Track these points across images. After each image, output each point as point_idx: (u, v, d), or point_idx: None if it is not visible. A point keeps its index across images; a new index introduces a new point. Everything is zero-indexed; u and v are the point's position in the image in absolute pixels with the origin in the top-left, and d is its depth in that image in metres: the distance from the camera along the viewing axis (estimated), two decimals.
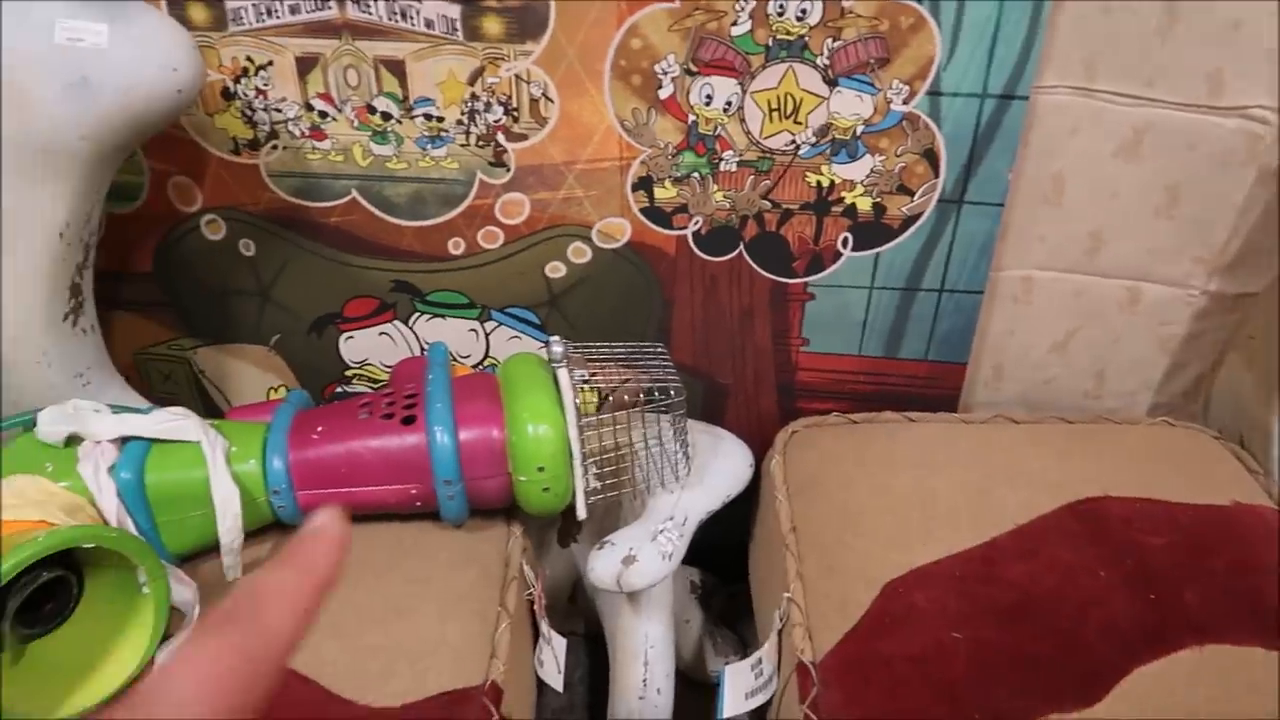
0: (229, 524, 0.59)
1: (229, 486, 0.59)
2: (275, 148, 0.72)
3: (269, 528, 0.64)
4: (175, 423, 0.61)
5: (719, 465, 0.72)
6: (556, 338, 0.64)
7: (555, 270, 0.76)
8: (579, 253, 0.75)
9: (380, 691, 0.54)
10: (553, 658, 0.67)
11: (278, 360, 0.83)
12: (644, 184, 0.72)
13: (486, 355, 0.81)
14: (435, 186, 0.72)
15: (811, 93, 0.67)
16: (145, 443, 0.60)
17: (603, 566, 0.64)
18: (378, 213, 0.74)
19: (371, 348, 0.81)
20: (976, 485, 0.69)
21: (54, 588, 0.54)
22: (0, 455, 0.60)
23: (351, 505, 0.63)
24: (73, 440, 0.60)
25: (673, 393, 0.64)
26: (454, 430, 0.61)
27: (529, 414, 0.61)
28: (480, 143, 0.70)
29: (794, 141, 0.69)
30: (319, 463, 0.61)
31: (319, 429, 0.62)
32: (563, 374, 0.63)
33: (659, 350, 0.68)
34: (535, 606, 0.65)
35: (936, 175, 0.70)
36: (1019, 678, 0.56)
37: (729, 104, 0.68)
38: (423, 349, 0.81)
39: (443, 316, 0.79)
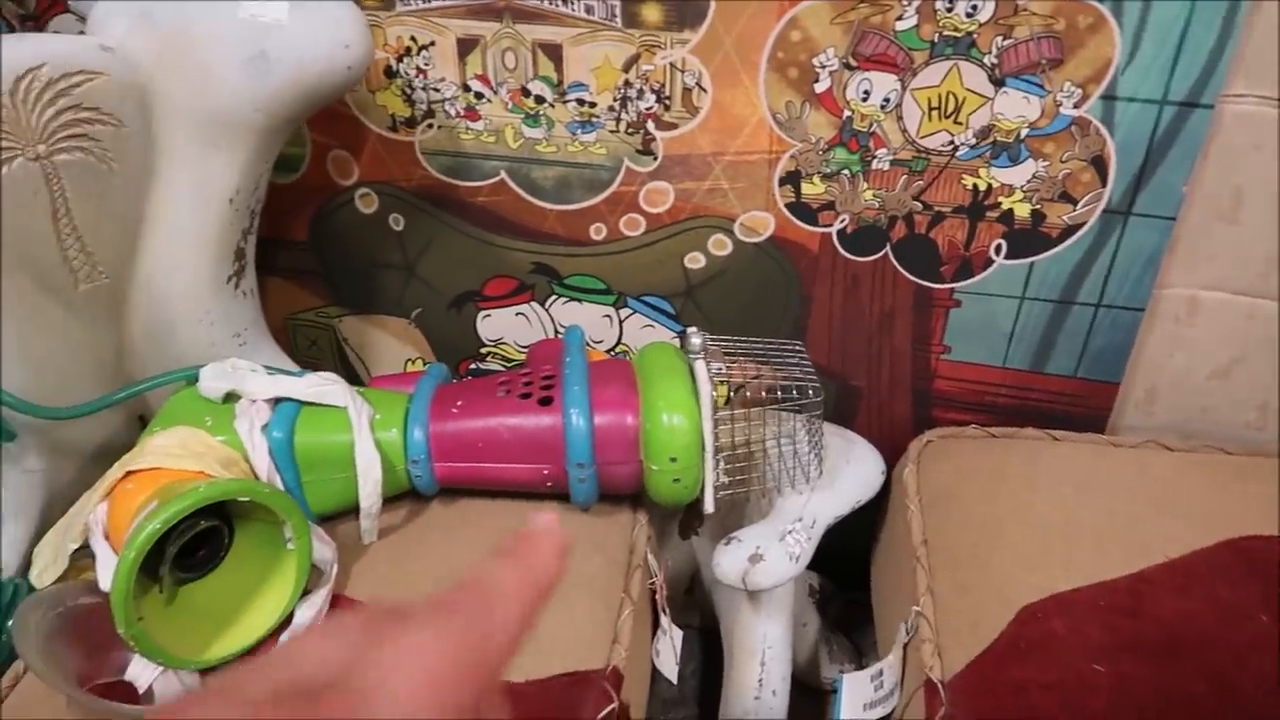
0: (369, 489, 0.61)
1: (371, 453, 0.61)
2: (430, 126, 0.73)
3: (404, 496, 0.66)
4: (325, 387, 0.63)
5: (851, 470, 0.71)
6: (695, 329, 0.64)
7: (694, 261, 0.76)
8: (720, 245, 0.74)
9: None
10: (670, 648, 0.66)
11: (417, 334, 0.85)
12: (791, 179, 0.70)
13: (619, 341, 0.81)
14: (582, 171, 0.73)
15: (975, 92, 0.65)
16: (296, 404, 0.63)
17: (728, 562, 0.63)
18: (524, 194, 0.75)
19: (508, 327, 0.82)
20: (1125, 512, 0.65)
21: (208, 536, 0.57)
22: (166, 406, 0.64)
23: (485, 481, 0.64)
24: (230, 397, 0.63)
25: (811, 393, 0.63)
26: (589, 414, 0.61)
27: (665, 404, 0.61)
28: (630, 130, 0.70)
29: (952, 142, 0.67)
30: (457, 436, 0.62)
31: (459, 403, 0.63)
32: (700, 366, 0.62)
33: (798, 349, 0.67)
34: (657, 596, 0.65)
35: (1104, 184, 0.67)
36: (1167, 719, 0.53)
37: (887, 101, 0.66)
38: (557, 331, 0.82)
39: (579, 301, 0.80)
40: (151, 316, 0.68)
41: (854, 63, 0.65)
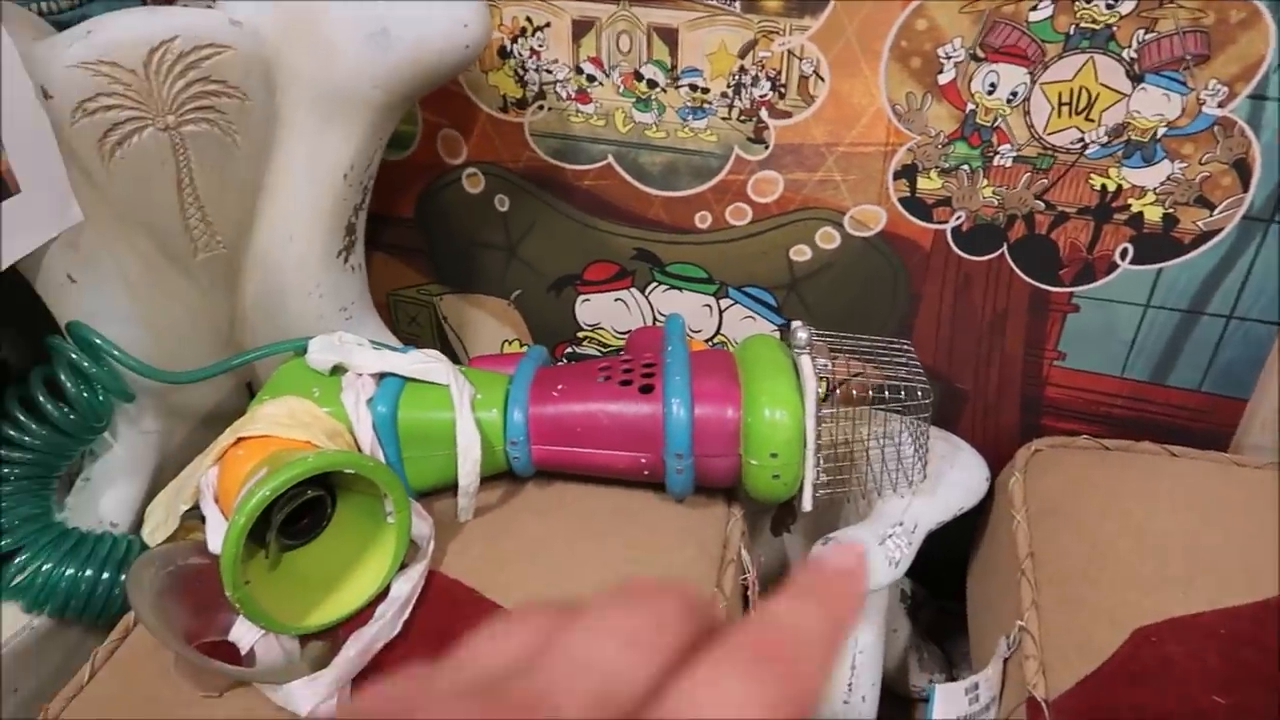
0: (468, 468, 0.61)
1: (472, 432, 0.61)
2: (541, 108, 0.73)
3: (499, 476, 0.66)
4: (429, 364, 0.64)
5: (954, 476, 0.69)
6: (800, 323, 0.63)
7: (800, 253, 0.74)
8: (827, 238, 0.73)
9: None
10: None
11: (515, 315, 0.85)
12: (907, 172, 0.68)
13: (718, 331, 0.80)
14: (690, 158, 0.72)
15: (1110, 88, 0.61)
16: (400, 380, 0.63)
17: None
18: (630, 179, 0.74)
19: (606, 312, 0.82)
20: (1251, 536, 0.62)
21: (312, 506, 0.58)
22: (275, 376, 0.65)
23: (581, 465, 0.64)
24: (337, 370, 0.64)
25: (919, 394, 0.61)
26: (690, 404, 0.60)
27: (768, 398, 0.60)
28: (742, 117, 0.69)
29: (1082, 139, 0.64)
30: (556, 420, 0.62)
31: (559, 387, 0.63)
32: (805, 361, 0.61)
33: (906, 348, 0.65)
34: (749, 592, 0.64)
35: (1245, 189, 0.63)
36: None
37: (1014, 94, 0.63)
38: (656, 319, 0.81)
39: (679, 289, 0.79)
40: (264, 287, 0.70)
41: (981, 54, 0.62)
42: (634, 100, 0.71)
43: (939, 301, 0.73)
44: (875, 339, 0.65)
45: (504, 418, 0.63)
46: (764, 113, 0.68)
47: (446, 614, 0.57)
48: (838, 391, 0.65)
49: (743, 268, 0.76)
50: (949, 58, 0.63)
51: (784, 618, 0.18)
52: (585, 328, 0.84)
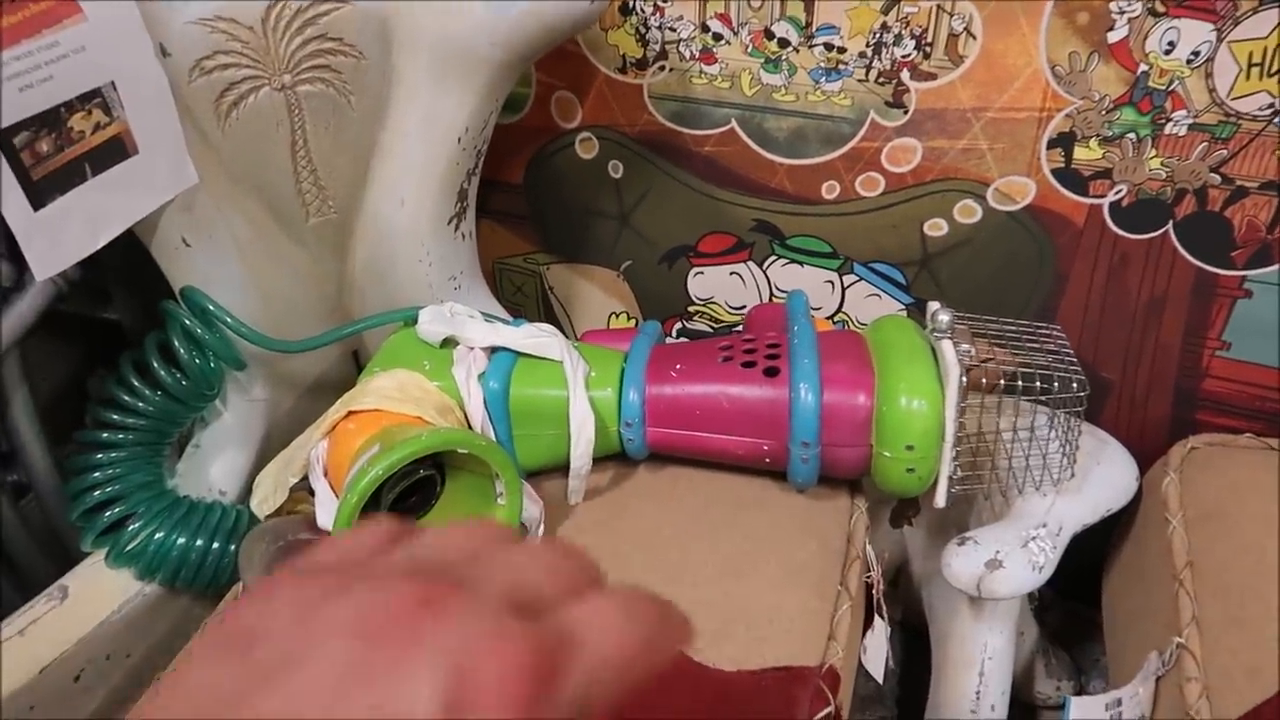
0: (581, 449, 0.59)
1: (586, 411, 0.58)
2: (662, 69, 0.69)
3: (610, 457, 0.63)
4: (542, 339, 0.61)
5: (1101, 473, 0.63)
6: (941, 305, 0.58)
7: (936, 228, 0.69)
8: (967, 211, 0.67)
9: (716, 652, 0.52)
10: (879, 646, 0.61)
11: (624, 287, 0.82)
12: (1063, 141, 0.62)
13: (839, 309, 0.76)
14: (821, 123, 0.67)
15: None
16: (512, 355, 0.61)
17: (962, 565, 0.57)
18: (753, 146, 0.70)
19: (720, 286, 0.78)
20: None
21: (420, 483, 0.56)
22: (384, 347, 0.63)
23: (699, 450, 0.61)
24: (447, 342, 0.62)
25: (1075, 385, 0.55)
26: (819, 390, 0.56)
27: (905, 385, 0.55)
28: (881, 79, 0.64)
29: (1273, 105, 0.57)
30: (674, 402, 0.59)
31: (677, 367, 0.60)
32: (946, 346, 0.56)
33: (1056, 333, 0.60)
34: (874, 591, 0.60)
35: None
36: None
37: (1195, 54, 0.57)
38: (773, 295, 0.77)
39: (800, 263, 0.74)
40: (373, 253, 0.68)
41: (1162, 8, 0.56)
42: (763, 60, 0.66)
43: (1088, 283, 0.67)
44: (1021, 324, 0.60)
45: (619, 397, 0.60)
46: (905, 74, 0.63)
47: None
48: (968, 379, 0.60)
49: (871, 242, 0.71)
50: (1122, 12, 0.57)
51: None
52: (698, 302, 0.80)
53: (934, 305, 0.58)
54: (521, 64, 0.62)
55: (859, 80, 0.64)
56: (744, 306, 0.78)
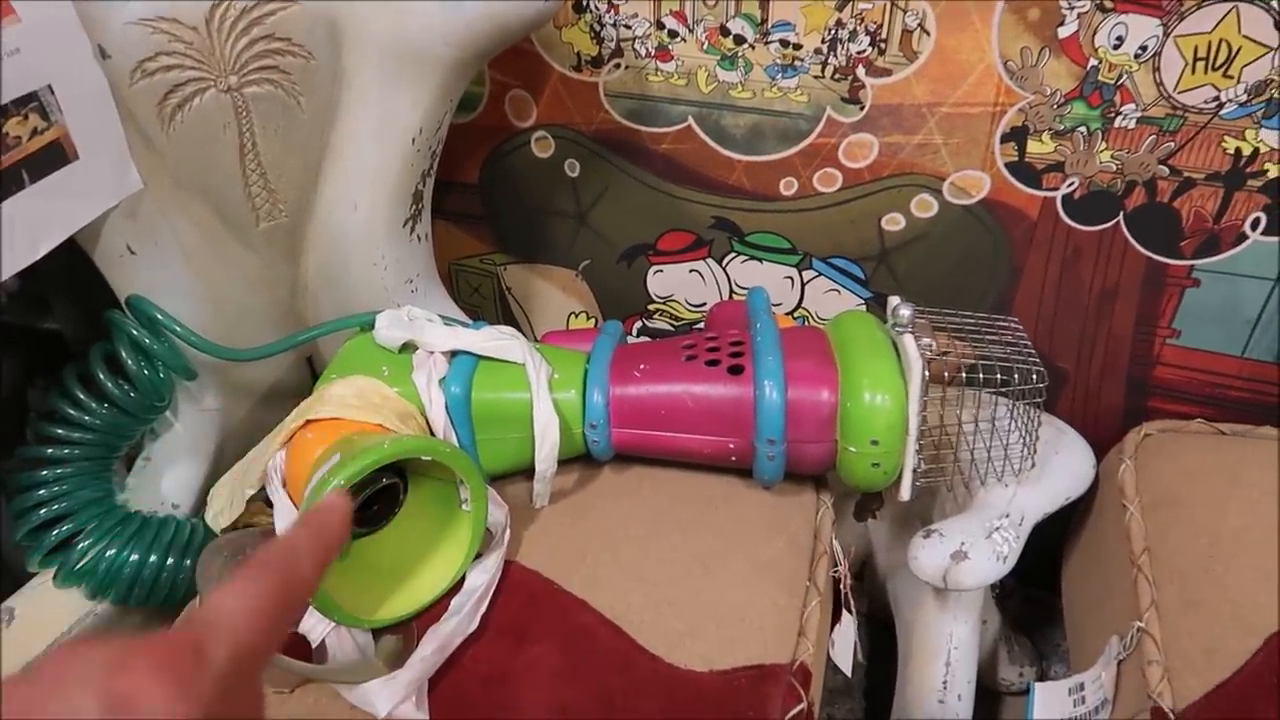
0: (545, 451, 0.58)
1: (550, 414, 0.58)
2: (618, 66, 0.69)
3: (574, 460, 0.62)
4: (503, 342, 0.60)
5: (1060, 462, 0.64)
6: (900, 299, 0.58)
7: (893, 223, 0.69)
8: (924, 205, 0.68)
9: (687, 651, 0.52)
10: (846, 640, 0.62)
11: (583, 286, 0.81)
12: (1016, 135, 0.63)
13: (799, 305, 0.76)
14: (777, 120, 0.67)
15: (1255, 41, 0.56)
16: (473, 358, 0.60)
17: (928, 558, 0.58)
18: (711, 143, 0.70)
19: (680, 284, 0.78)
20: None
21: (381, 492, 0.55)
22: (340, 353, 0.62)
23: (664, 450, 0.60)
24: (406, 347, 0.61)
25: (1034, 377, 0.56)
26: (784, 387, 0.56)
27: (869, 380, 0.55)
28: (836, 75, 0.64)
29: (1217, 98, 0.58)
30: (639, 402, 0.59)
31: (641, 367, 0.59)
32: (908, 340, 0.56)
33: (1014, 325, 0.61)
34: (841, 586, 0.60)
35: None
36: None
37: (1143, 49, 0.58)
38: (732, 291, 0.77)
39: (759, 260, 0.74)
40: (326, 258, 0.67)
41: (1110, 3, 0.57)
42: (719, 58, 0.66)
43: (1043, 275, 0.68)
44: (979, 316, 0.61)
45: (583, 399, 0.59)
46: (861, 70, 0.63)
47: (525, 608, 0.54)
48: (930, 373, 0.61)
49: (829, 237, 0.71)
50: (1072, 8, 0.57)
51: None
52: (657, 299, 0.80)
53: (894, 300, 0.58)
54: (476, 64, 0.61)
55: (815, 77, 0.65)
56: (704, 304, 0.78)
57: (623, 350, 0.62)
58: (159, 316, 0.58)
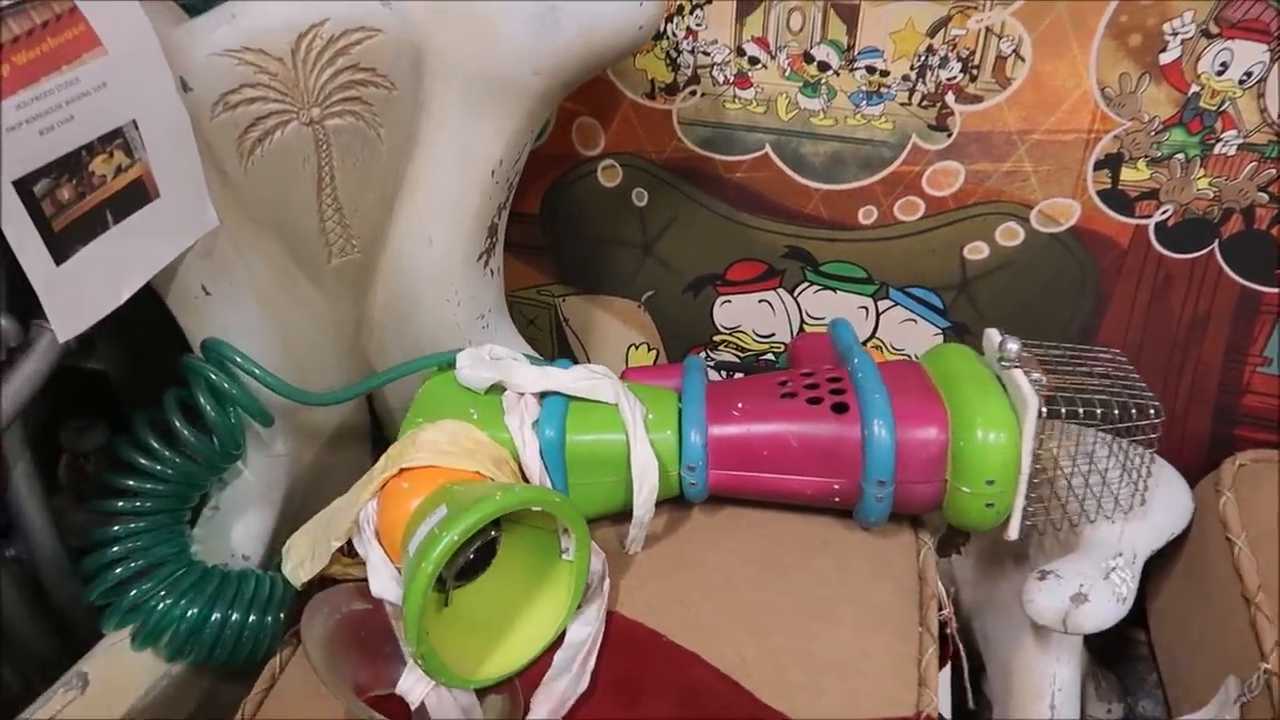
0: (644, 496, 0.55)
1: (648, 456, 0.55)
2: (693, 93, 0.67)
3: (663, 502, 0.60)
4: (594, 381, 0.58)
5: (1162, 496, 0.62)
6: (997, 332, 0.56)
7: (976, 251, 0.67)
8: (1009, 234, 0.66)
9: (812, 706, 0.49)
10: (946, 684, 0.60)
11: (644, 317, 0.79)
12: (1110, 162, 0.62)
13: (873, 335, 0.74)
14: (860, 147, 0.65)
15: None
16: (563, 399, 0.57)
17: (1046, 601, 0.56)
18: (788, 171, 0.68)
19: (748, 314, 0.76)
20: None
21: (475, 539, 0.52)
22: (421, 393, 0.59)
23: (763, 491, 0.58)
24: (492, 388, 0.58)
25: (1152, 413, 0.54)
26: (893, 426, 0.54)
27: (983, 419, 0.53)
28: (924, 103, 0.63)
29: None
30: (740, 443, 0.56)
31: (739, 405, 0.57)
32: (1019, 376, 0.54)
33: (1118, 357, 0.59)
34: (948, 629, 0.58)
35: None
36: None
37: (1248, 75, 0.57)
38: (803, 322, 0.75)
39: (833, 289, 0.73)
40: (397, 293, 0.64)
41: (1215, 29, 0.56)
42: (801, 84, 0.64)
43: (1131, 303, 0.67)
44: (1080, 348, 0.59)
45: (679, 439, 0.57)
46: (950, 97, 0.62)
47: (634, 662, 0.52)
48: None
49: (909, 267, 0.70)
50: (1175, 34, 0.56)
51: None
52: (723, 330, 0.77)
53: (996, 334, 0.56)
54: (562, 92, 0.59)
55: (901, 104, 0.63)
56: (772, 334, 0.76)
57: (715, 388, 0.60)
58: (238, 360, 0.55)
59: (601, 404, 0.57)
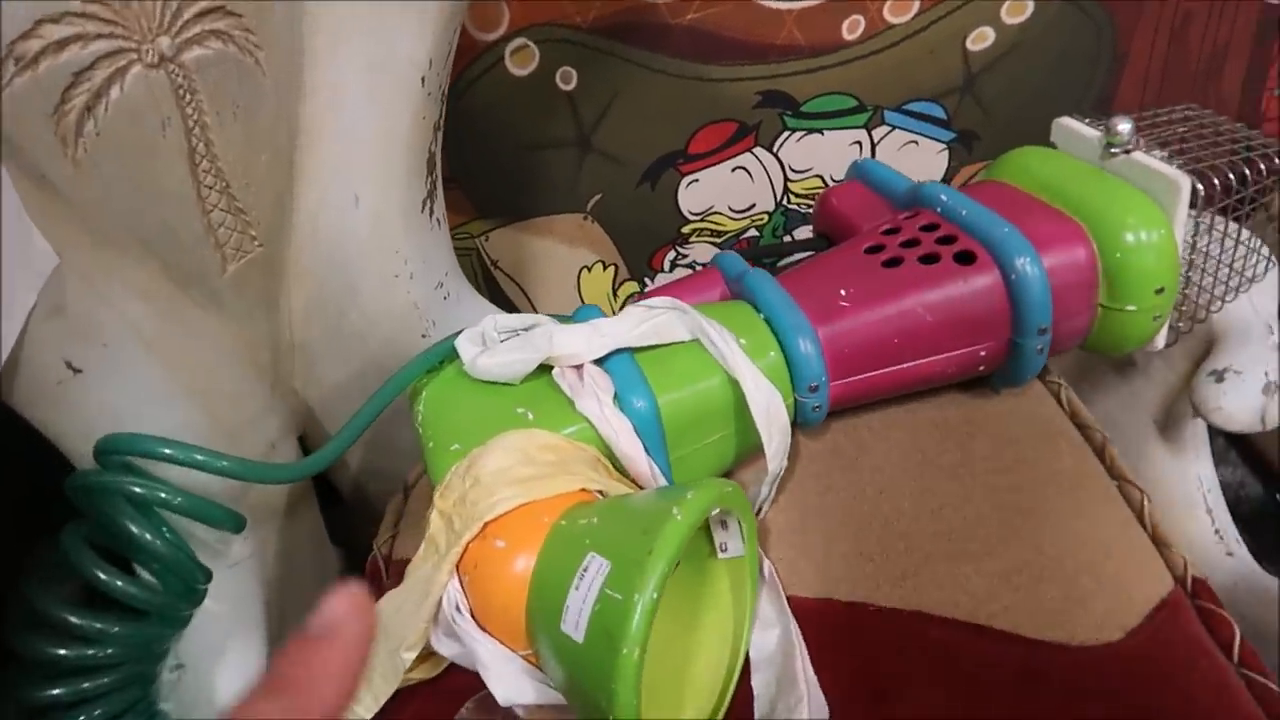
0: (777, 442, 0.42)
1: (769, 391, 0.42)
2: None
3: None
4: (657, 319, 0.43)
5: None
6: (1110, 116, 0.46)
7: (980, 39, 0.57)
8: (1015, 10, 0.56)
9: (1090, 622, 0.39)
10: None
11: (594, 230, 0.63)
12: None
13: None
14: None
15: None
16: (629, 357, 0.42)
17: (1238, 402, 0.48)
18: None
19: (721, 190, 0.62)
20: None
21: None
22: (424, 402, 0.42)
23: (897, 387, 0.46)
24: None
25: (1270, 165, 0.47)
26: (1039, 259, 0.43)
27: (1133, 219, 0.44)
28: None
29: None
30: (864, 338, 0.44)
31: (841, 292, 0.44)
32: (1142, 158, 0.45)
33: (1199, 110, 0.51)
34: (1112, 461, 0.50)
35: None
36: None
37: None
38: (787, 178, 0.62)
39: (820, 131, 0.60)
40: (321, 284, 0.46)
41: None
42: None
43: (1148, 56, 0.59)
44: (1159, 111, 0.51)
45: (786, 357, 0.43)
46: None
47: (850, 651, 0.39)
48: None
49: (905, 79, 0.58)
50: None
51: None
52: (693, 218, 0.63)
53: (1112, 116, 0.46)
54: None
55: None
56: (752, 206, 0.63)
57: (790, 281, 0.46)
58: (167, 450, 0.35)
59: (675, 346, 0.43)
